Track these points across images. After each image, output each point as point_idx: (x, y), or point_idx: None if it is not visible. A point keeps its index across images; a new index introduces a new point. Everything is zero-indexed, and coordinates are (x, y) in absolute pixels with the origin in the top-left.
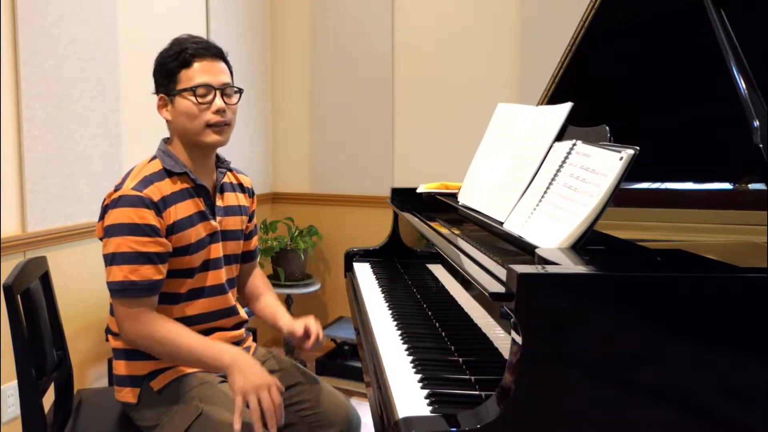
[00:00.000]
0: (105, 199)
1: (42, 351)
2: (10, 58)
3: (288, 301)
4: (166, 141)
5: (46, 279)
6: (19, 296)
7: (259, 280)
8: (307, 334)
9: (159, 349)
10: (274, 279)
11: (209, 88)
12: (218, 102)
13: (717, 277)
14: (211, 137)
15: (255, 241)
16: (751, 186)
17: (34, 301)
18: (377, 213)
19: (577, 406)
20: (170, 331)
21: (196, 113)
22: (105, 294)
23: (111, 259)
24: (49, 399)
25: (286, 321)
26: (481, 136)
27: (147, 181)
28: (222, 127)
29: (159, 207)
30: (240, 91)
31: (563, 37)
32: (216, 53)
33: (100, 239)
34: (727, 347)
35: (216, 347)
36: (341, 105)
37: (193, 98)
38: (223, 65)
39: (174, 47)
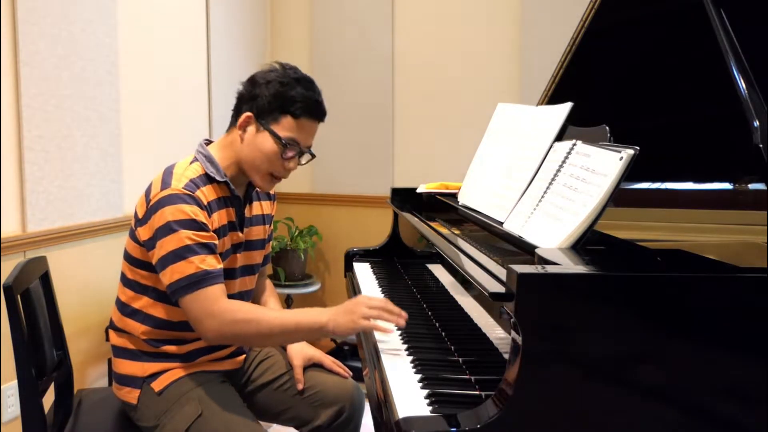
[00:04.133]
0: (149, 200)
1: (42, 351)
2: (10, 58)
3: (288, 301)
4: (207, 142)
5: (46, 279)
6: (19, 296)
7: (268, 298)
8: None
9: (249, 331)
10: (274, 279)
11: (297, 147)
12: (293, 163)
13: (717, 277)
14: (265, 184)
15: (269, 247)
16: (751, 186)
17: (34, 301)
18: (377, 213)
19: (577, 405)
20: (254, 310)
21: (272, 161)
22: (105, 294)
23: (174, 257)
24: (49, 399)
25: (294, 354)
26: (481, 136)
27: (193, 185)
28: (279, 180)
29: (207, 210)
30: (313, 155)
31: (563, 37)
32: (322, 118)
33: (146, 242)
34: (727, 347)
35: (308, 314)
36: (341, 105)
37: (280, 147)
38: (317, 128)
39: (295, 87)
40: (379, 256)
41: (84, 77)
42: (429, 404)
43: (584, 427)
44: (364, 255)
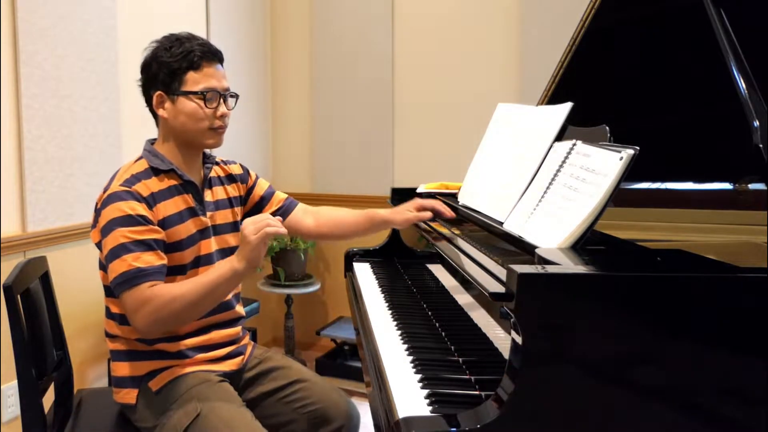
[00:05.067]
0: (96, 203)
1: (42, 351)
2: (10, 58)
3: (288, 301)
4: (153, 141)
5: (46, 279)
6: (19, 296)
7: (329, 212)
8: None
9: (176, 308)
10: (274, 279)
11: (215, 93)
12: (222, 108)
13: (717, 277)
14: (212, 140)
15: (278, 197)
16: (751, 186)
17: (34, 301)
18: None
19: (577, 405)
20: (172, 288)
21: (202, 116)
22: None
23: (112, 256)
24: (49, 399)
25: (396, 217)
26: (481, 136)
27: (134, 179)
28: (221, 130)
29: (149, 202)
30: (236, 96)
31: (563, 37)
32: (220, 58)
33: (97, 245)
34: (727, 347)
35: (219, 268)
36: (341, 105)
37: (200, 102)
38: (223, 70)
39: (178, 46)
40: (379, 256)
41: (84, 77)
42: (429, 404)
43: (584, 427)
44: (364, 255)
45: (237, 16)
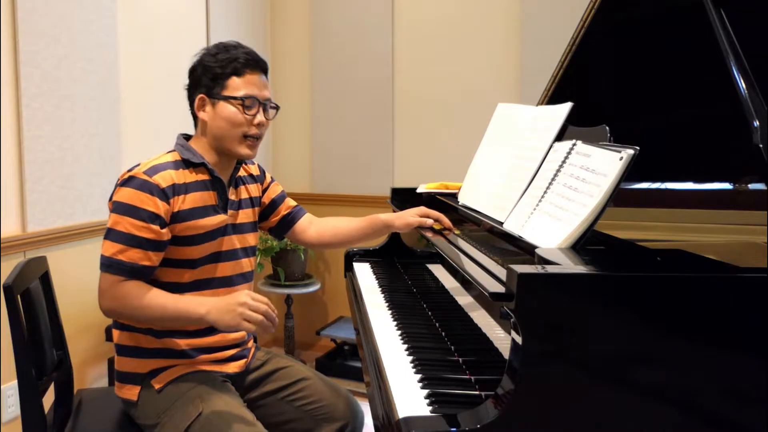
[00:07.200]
0: (118, 179)
1: (42, 351)
2: (10, 58)
3: (288, 301)
4: (186, 137)
5: (46, 279)
6: (19, 296)
7: (330, 221)
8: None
9: (138, 315)
10: (274, 279)
11: (255, 101)
12: (260, 116)
13: (717, 277)
14: (245, 150)
15: (287, 203)
16: (751, 186)
17: (34, 301)
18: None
19: (577, 406)
20: (146, 298)
21: (239, 122)
22: None
23: (107, 233)
24: (49, 399)
25: (397, 221)
26: (481, 136)
27: (160, 167)
28: (256, 141)
29: (166, 194)
30: (277, 107)
31: (563, 37)
32: (264, 68)
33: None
34: (727, 347)
35: (189, 303)
36: (341, 105)
37: (239, 107)
38: (266, 80)
39: (224, 53)
40: (379, 256)
41: (84, 77)
42: (429, 404)
43: (584, 427)
44: (364, 255)
45: (237, 17)
